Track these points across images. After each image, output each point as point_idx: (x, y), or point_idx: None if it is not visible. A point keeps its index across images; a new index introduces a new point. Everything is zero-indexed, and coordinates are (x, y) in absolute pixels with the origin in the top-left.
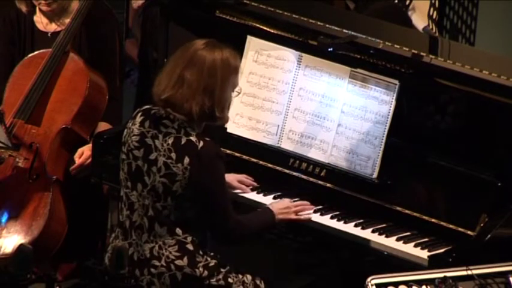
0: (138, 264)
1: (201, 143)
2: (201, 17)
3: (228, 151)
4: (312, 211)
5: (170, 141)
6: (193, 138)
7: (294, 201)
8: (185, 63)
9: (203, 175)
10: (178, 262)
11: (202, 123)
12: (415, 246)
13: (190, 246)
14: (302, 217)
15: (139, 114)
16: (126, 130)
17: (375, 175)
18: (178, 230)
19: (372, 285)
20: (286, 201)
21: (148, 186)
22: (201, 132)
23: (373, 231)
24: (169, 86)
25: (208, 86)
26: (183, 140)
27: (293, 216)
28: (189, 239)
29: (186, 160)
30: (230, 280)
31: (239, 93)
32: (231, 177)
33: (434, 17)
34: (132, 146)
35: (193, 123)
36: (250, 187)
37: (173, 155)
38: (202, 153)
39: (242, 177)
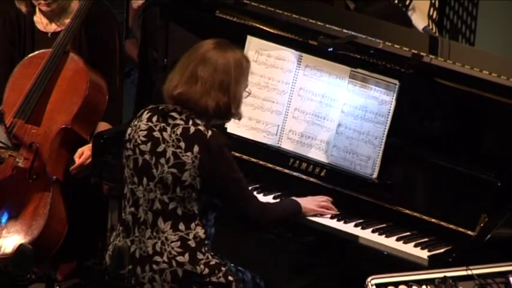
0: (140, 261)
1: (210, 132)
2: (201, 17)
3: None
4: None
5: (179, 131)
6: (201, 128)
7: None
8: (197, 61)
9: (214, 164)
10: (179, 258)
11: (215, 119)
12: (415, 246)
13: (192, 243)
14: (326, 211)
15: (146, 111)
16: (130, 128)
17: (375, 175)
18: (182, 226)
19: (372, 285)
20: (310, 197)
21: (156, 178)
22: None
23: (373, 231)
24: (181, 83)
25: (223, 82)
26: (192, 130)
27: (318, 208)
28: (191, 235)
29: (196, 149)
30: (230, 278)
31: (249, 93)
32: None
33: (434, 17)
34: (139, 141)
35: (201, 116)
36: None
37: (182, 144)
38: (211, 142)
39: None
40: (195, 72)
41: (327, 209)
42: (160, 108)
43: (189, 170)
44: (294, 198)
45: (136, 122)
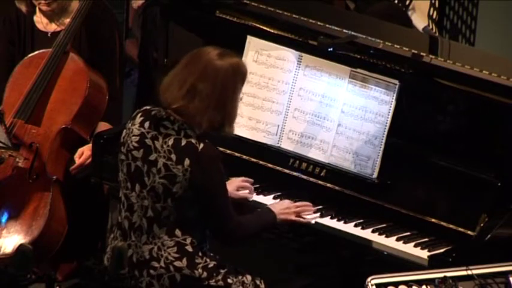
0: (137, 266)
1: (201, 145)
2: (201, 17)
3: (228, 151)
4: (312, 212)
5: (170, 142)
6: (193, 140)
7: (295, 201)
8: (198, 74)
9: (203, 177)
10: (177, 263)
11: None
12: (415, 246)
13: (189, 248)
14: (303, 218)
15: (139, 114)
16: (125, 131)
17: (375, 175)
18: (178, 231)
19: (372, 285)
20: (286, 202)
21: (148, 186)
22: (201, 134)
23: (373, 231)
24: (180, 96)
25: (220, 100)
26: (183, 142)
27: (294, 217)
28: (188, 240)
29: (187, 162)
30: (229, 281)
31: (241, 99)
32: (229, 188)
33: (434, 17)
34: (132, 147)
35: (194, 125)
36: (253, 193)
37: (173, 156)
38: (202, 155)
39: (239, 182)
40: (195, 87)
41: (303, 211)
42: (153, 113)
43: (180, 183)
44: (270, 207)
45: (130, 125)
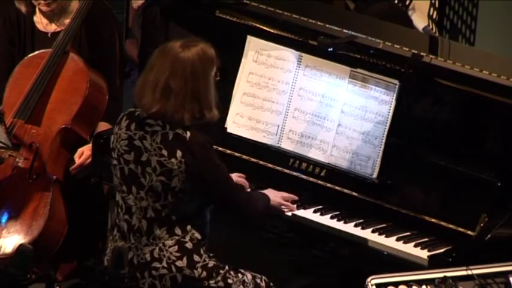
0: (138, 268)
1: (189, 134)
2: (201, 17)
3: (228, 151)
4: (296, 198)
5: (158, 139)
6: (179, 131)
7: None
8: (168, 72)
9: (198, 165)
10: (178, 263)
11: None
12: (415, 246)
13: (189, 245)
14: (289, 204)
15: (124, 118)
16: (113, 136)
17: (374, 175)
18: (178, 230)
19: (372, 285)
20: (270, 189)
21: (146, 187)
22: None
23: (373, 231)
24: (155, 99)
25: (194, 91)
26: (171, 135)
27: (282, 201)
28: (188, 237)
29: (179, 153)
30: (230, 281)
31: (219, 78)
32: None
33: (434, 17)
34: (122, 151)
35: (177, 122)
36: (248, 188)
37: (164, 152)
38: (192, 144)
39: (236, 177)
40: (167, 85)
41: (289, 199)
42: (136, 114)
43: (177, 176)
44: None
45: (117, 130)
